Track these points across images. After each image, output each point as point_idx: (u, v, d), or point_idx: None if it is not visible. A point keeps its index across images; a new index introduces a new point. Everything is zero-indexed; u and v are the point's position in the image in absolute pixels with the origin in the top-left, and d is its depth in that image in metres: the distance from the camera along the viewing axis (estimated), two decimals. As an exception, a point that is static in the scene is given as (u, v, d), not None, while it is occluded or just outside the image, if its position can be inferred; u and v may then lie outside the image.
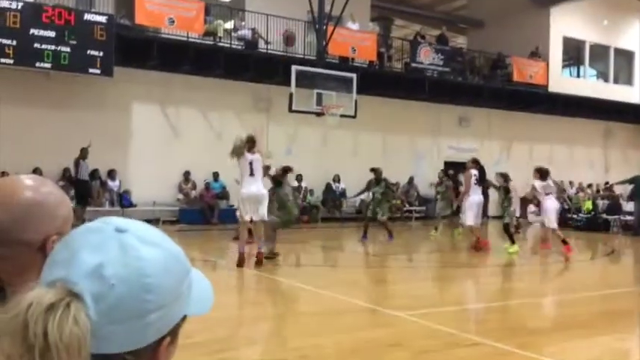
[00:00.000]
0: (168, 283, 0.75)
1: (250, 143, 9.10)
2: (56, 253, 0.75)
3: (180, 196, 16.85)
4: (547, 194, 12.21)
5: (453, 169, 18.20)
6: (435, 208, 16.44)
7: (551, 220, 12.18)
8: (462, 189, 13.84)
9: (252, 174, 9.04)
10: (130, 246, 0.74)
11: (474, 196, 12.46)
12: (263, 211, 9.20)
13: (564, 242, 11.90)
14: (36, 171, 13.18)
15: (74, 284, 0.70)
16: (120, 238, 0.74)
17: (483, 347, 5.35)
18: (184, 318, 0.80)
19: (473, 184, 12.44)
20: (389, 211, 13.56)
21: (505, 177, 12.63)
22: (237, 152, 9.09)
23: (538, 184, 12.22)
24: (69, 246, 0.75)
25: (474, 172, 12.53)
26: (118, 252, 0.73)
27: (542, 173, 12.24)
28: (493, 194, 14.51)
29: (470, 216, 12.43)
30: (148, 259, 0.74)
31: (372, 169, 13.73)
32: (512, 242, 12.26)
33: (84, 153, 14.28)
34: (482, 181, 12.64)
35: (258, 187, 9.13)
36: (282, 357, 5.02)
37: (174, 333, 0.78)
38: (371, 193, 13.81)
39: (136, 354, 0.73)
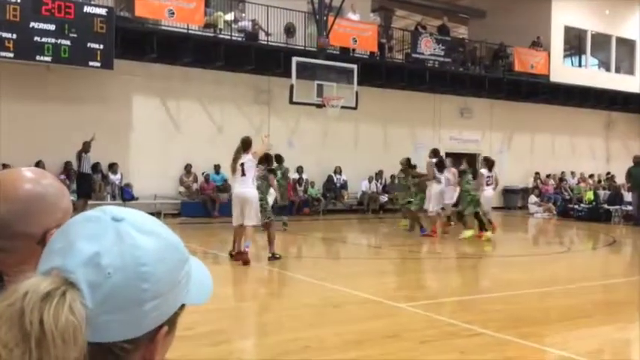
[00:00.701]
0: (164, 272, 0.75)
1: (245, 145, 9.18)
2: (53, 242, 0.76)
3: (182, 189, 16.85)
4: (488, 185, 13.07)
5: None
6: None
7: (488, 207, 13.27)
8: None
9: (243, 174, 9.11)
10: (127, 234, 0.74)
11: (436, 185, 13.12)
12: (251, 214, 9.04)
13: (489, 228, 12.97)
14: (39, 164, 13.17)
15: (70, 273, 0.70)
16: (116, 227, 0.74)
17: (484, 337, 5.37)
18: (182, 307, 0.80)
19: (436, 173, 13.14)
20: (421, 201, 13.72)
21: (469, 163, 13.46)
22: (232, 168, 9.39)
23: (485, 172, 13.11)
24: (66, 235, 0.75)
25: (435, 161, 13.24)
26: (115, 241, 0.73)
27: (489, 164, 13.30)
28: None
29: (431, 204, 13.09)
30: (144, 247, 0.74)
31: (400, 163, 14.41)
32: (484, 229, 12.73)
33: (86, 146, 14.27)
34: (442, 170, 13.24)
35: (247, 187, 9.10)
36: (284, 348, 5.03)
37: (172, 322, 0.78)
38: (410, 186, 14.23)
39: (133, 343, 0.73)
